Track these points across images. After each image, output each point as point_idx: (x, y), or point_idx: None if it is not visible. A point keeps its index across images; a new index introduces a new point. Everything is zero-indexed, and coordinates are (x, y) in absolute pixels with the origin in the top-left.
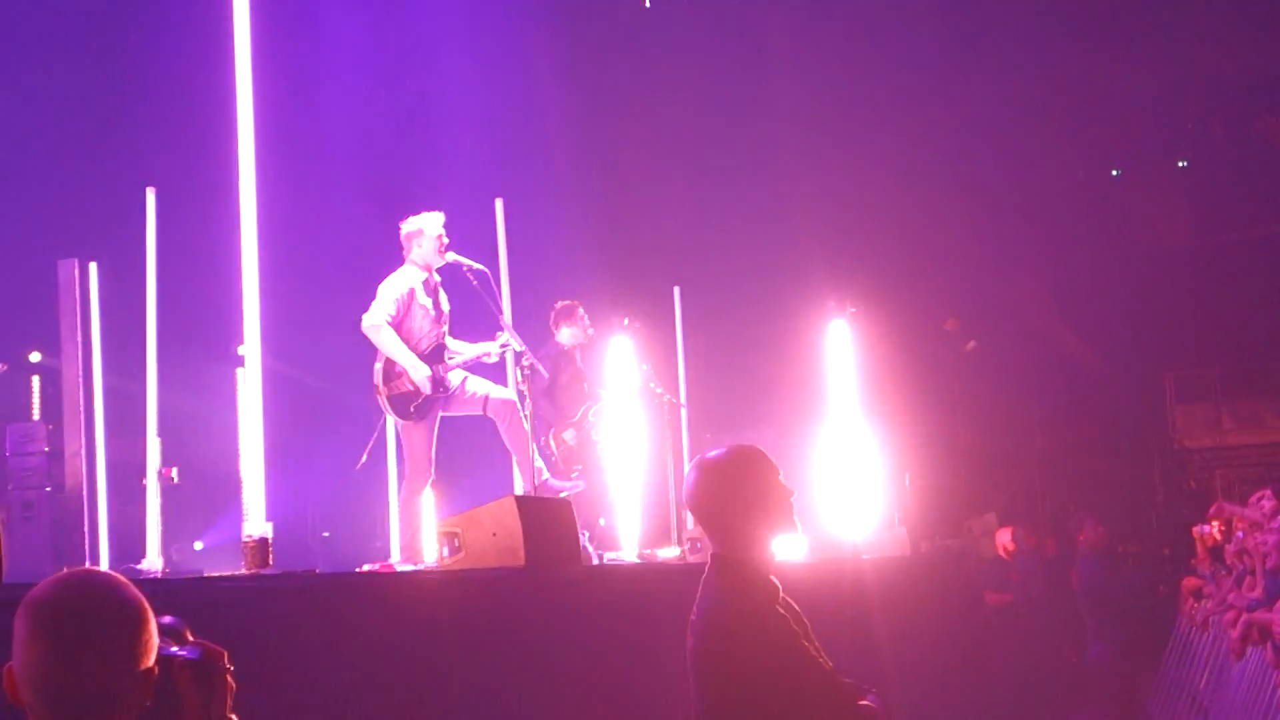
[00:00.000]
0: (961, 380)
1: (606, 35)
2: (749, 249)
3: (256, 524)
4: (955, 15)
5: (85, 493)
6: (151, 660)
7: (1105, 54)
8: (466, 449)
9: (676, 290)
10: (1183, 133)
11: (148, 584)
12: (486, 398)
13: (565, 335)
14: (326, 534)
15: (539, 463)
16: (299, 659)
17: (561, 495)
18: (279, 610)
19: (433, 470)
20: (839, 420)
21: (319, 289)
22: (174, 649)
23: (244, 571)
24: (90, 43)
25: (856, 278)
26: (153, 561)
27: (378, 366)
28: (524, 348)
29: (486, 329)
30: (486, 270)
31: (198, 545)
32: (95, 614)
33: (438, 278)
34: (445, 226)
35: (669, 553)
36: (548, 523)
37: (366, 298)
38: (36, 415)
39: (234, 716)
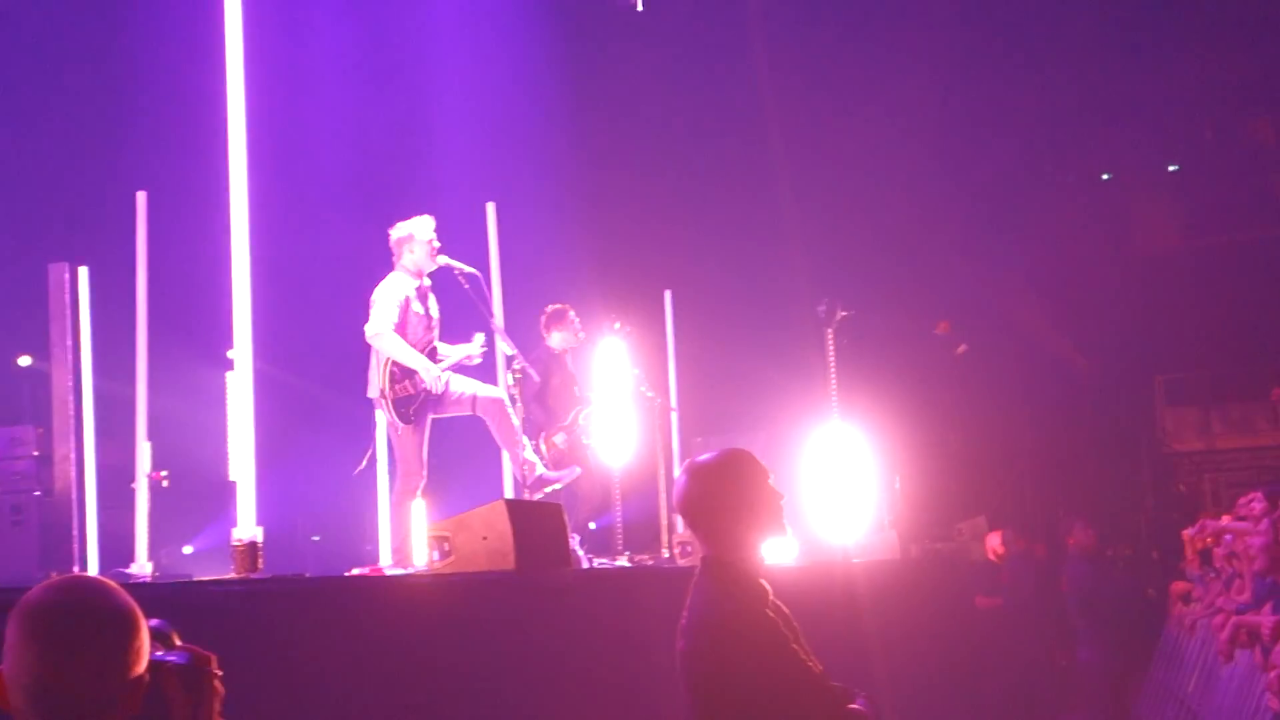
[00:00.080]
0: (952, 384)
1: (598, 39)
2: (740, 253)
3: (246, 528)
4: (947, 20)
5: (75, 497)
6: (143, 667)
7: (1096, 58)
8: (456, 452)
9: (668, 294)
10: (1173, 136)
11: (137, 588)
12: (475, 397)
13: (556, 339)
14: (316, 538)
15: (531, 456)
16: (288, 663)
17: (557, 485)
18: (268, 614)
19: (425, 474)
20: (829, 424)
21: (310, 293)
22: (162, 654)
23: (233, 575)
24: (81, 46)
25: (847, 281)
26: (142, 565)
27: (379, 372)
28: (515, 351)
29: (478, 333)
30: (478, 274)
31: (187, 549)
32: (87, 620)
33: (428, 282)
34: (436, 230)
35: (659, 556)
36: (538, 526)
37: (357, 302)
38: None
39: None
